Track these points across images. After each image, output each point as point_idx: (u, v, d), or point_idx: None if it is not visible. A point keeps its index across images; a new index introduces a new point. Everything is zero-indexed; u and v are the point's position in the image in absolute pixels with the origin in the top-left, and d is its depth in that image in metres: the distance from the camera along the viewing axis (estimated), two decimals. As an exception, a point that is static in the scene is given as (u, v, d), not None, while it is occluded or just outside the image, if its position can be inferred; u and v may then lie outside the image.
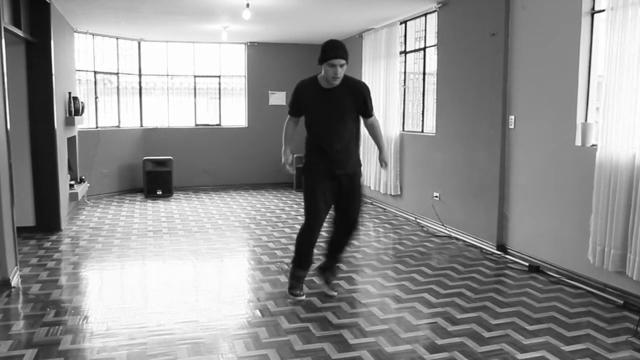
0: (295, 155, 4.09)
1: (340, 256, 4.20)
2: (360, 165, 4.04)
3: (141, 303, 3.91)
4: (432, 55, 6.61)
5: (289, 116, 4.03)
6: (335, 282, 4.22)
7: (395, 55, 7.22)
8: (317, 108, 3.83)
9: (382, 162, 4.19)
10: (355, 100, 3.83)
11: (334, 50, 3.65)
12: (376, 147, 4.35)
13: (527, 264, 4.75)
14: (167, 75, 9.47)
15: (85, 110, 7.71)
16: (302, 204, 3.99)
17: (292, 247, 5.37)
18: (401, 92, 7.33)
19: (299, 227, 6.33)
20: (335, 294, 4.02)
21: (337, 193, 3.89)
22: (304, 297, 3.93)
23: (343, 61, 3.66)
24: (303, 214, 3.98)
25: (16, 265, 4.38)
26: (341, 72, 3.68)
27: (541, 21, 4.65)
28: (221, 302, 3.92)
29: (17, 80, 5.66)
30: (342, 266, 4.78)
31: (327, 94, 3.78)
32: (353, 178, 3.93)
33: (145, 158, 8.71)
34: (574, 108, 4.30)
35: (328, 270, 4.14)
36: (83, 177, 7.75)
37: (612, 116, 3.79)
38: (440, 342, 3.21)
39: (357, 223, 4.03)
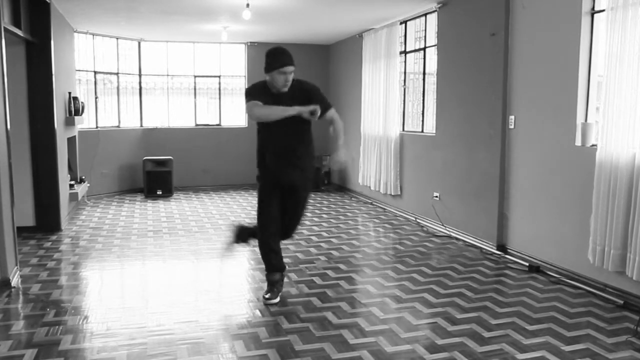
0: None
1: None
2: (310, 179, 3.97)
3: (141, 303, 3.91)
4: (432, 55, 6.61)
5: (251, 102, 3.64)
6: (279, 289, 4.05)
7: (395, 55, 7.22)
8: None
9: (333, 165, 4.05)
10: (307, 101, 3.74)
11: (281, 57, 3.62)
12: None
13: (527, 264, 4.75)
14: (167, 75, 9.47)
15: (85, 110, 7.70)
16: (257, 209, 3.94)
17: (292, 247, 5.40)
18: (401, 92, 7.33)
19: (298, 227, 6.36)
20: (274, 301, 3.88)
21: (283, 203, 3.87)
22: (274, 301, 3.84)
23: (292, 67, 3.64)
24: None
25: (16, 265, 4.38)
26: (291, 78, 3.67)
27: (541, 21, 4.65)
28: (221, 302, 3.92)
29: (17, 80, 5.65)
30: (342, 266, 4.78)
31: (277, 99, 3.70)
32: (299, 191, 3.87)
33: (145, 158, 8.71)
34: (574, 108, 4.30)
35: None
36: (83, 177, 7.75)
37: (612, 116, 3.79)
38: (440, 342, 3.21)
39: (290, 237, 4.14)
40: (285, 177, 3.81)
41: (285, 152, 3.78)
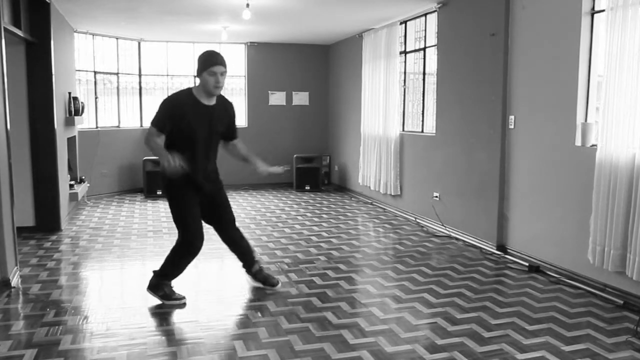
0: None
1: (246, 250, 4.16)
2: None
3: (141, 303, 3.91)
4: (432, 55, 6.61)
5: (153, 130, 3.57)
6: (268, 274, 4.21)
7: (395, 55, 7.22)
8: (195, 124, 3.58)
9: (267, 169, 4.00)
10: (229, 119, 3.79)
11: (214, 57, 3.55)
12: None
13: (527, 264, 4.75)
14: (167, 75, 9.47)
15: (85, 110, 7.70)
16: (178, 219, 3.80)
17: (292, 247, 5.40)
18: (401, 92, 7.33)
19: (299, 227, 6.38)
20: (275, 283, 4.07)
21: (208, 207, 3.87)
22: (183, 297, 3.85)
23: (224, 68, 3.55)
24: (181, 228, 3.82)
25: (16, 265, 4.37)
26: (222, 80, 3.55)
27: (541, 21, 4.65)
28: (221, 302, 3.92)
29: (17, 80, 5.65)
30: (342, 266, 4.78)
31: (207, 110, 3.62)
32: (220, 190, 3.94)
33: (145, 158, 8.70)
34: (574, 108, 4.30)
35: (255, 271, 4.13)
36: (83, 177, 7.74)
37: (612, 116, 3.79)
38: (440, 342, 3.21)
39: (234, 220, 4.11)
40: (210, 183, 3.81)
41: (212, 162, 3.79)
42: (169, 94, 3.80)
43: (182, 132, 3.59)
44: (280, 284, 4.16)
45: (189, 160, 3.55)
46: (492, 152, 5.25)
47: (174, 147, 3.57)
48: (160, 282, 3.85)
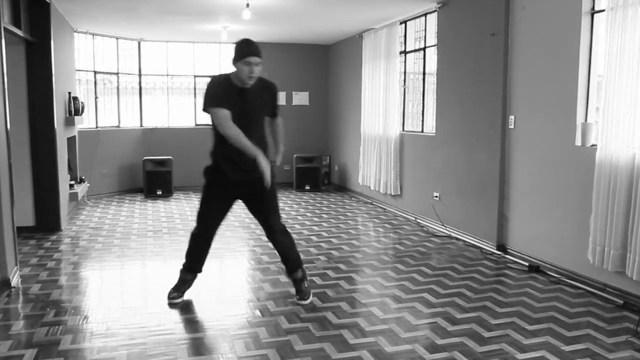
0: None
1: (294, 266, 3.95)
2: (274, 163, 3.84)
3: (141, 303, 3.91)
4: (432, 55, 6.61)
5: (217, 110, 3.55)
6: (305, 289, 3.97)
7: (395, 55, 7.22)
8: (232, 107, 3.59)
9: (272, 161, 3.84)
10: (270, 99, 3.76)
11: (250, 47, 3.55)
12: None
13: (527, 264, 4.75)
14: (167, 75, 9.47)
15: (85, 110, 7.70)
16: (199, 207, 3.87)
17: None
18: (401, 92, 7.33)
19: (298, 227, 6.38)
20: (305, 302, 3.86)
21: (252, 200, 3.81)
22: (176, 302, 3.84)
23: (259, 59, 3.56)
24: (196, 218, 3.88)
25: (16, 265, 4.37)
26: (257, 71, 3.57)
27: (541, 21, 4.65)
28: (221, 302, 3.92)
29: (17, 80, 5.65)
30: (342, 266, 4.79)
31: (243, 93, 3.64)
32: (262, 188, 3.72)
33: (145, 158, 8.71)
34: (574, 108, 4.30)
35: (295, 281, 3.97)
36: (83, 177, 7.74)
37: (612, 116, 3.79)
38: (440, 342, 3.21)
39: (284, 228, 3.94)
40: (252, 170, 3.60)
41: (243, 162, 3.66)
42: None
43: None
44: (308, 301, 3.89)
45: (226, 148, 3.63)
46: (492, 152, 5.25)
47: (218, 136, 3.67)
48: (180, 270, 3.97)
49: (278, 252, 3.99)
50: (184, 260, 3.97)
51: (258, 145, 3.61)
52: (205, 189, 3.84)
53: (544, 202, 4.65)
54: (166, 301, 3.87)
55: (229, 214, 3.89)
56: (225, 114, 3.52)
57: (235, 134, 3.51)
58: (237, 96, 3.62)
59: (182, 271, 3.97)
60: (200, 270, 4.00)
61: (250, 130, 3.61)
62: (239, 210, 7.43)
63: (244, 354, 3.05)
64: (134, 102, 9.27)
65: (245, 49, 3.53)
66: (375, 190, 7.89)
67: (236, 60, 3.56)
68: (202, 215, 3.84)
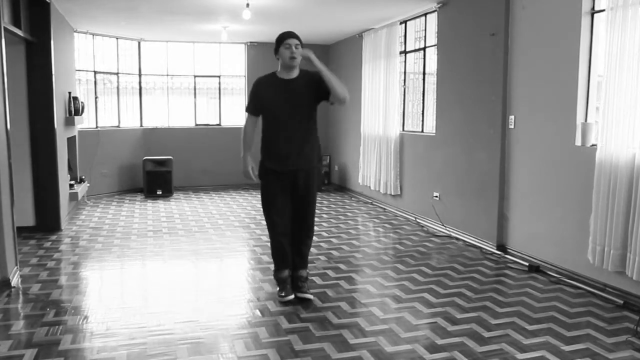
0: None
1: (302, 264, 3.98)
2: (320, 160, 3.99)
3: (141, 303, 3.91)
4: (432, 55, 6.61)
5: (246, 115, 3.96)
6: (307, 283, 4.00)
7: (395, 55, 7.22)
8: (277, 99, 3.77)
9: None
10: (316, 86, 3.80)
11: (286, 32, 3.82)
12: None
13: (527, 264, 4.75)
14: (167, 75, 9.47)
15: (85, 110, 7.70)
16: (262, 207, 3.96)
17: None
18: (401, 92, 7.33)
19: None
20: (309, 296, 3.87)
21: (293, 194, 3.85)
22: (289, 298, 3.83)
23: (297, 41, 3.79)
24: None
25: (16, 265, 4.38)
26: (297, 52, 3.74)
27: (541, 21, 4.65)
28: (221, 302, 3.92)
29: (17, 80, 5.65)
30: (342, 266, 4.79)
31: (287, 84, 3.79)
32: (310, 175, 3.85)
33: (145, 158, 8.71)
34: (574, 108, 4.30)
35: (299, 278, 3.96)
36: (83, 177, 7.75)
37: (612, 116, 3.79)
38: (440, 342, 3.21)
39: (311, 231, 4.01)
40: (297, 160, 3.77)
41: (299, 136, 3.79)
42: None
43: (267, 110, 3.83)
44: (310, 296, 3.89)
45: (276, 136, 3.79)
46: (492, 152, 5.25)
47: (267, 127, 3.84)
48: (274, 275, 4.02)
49: (295, 244, 3.96)
50: (272, 266, 4.02)
51: (300, 146, 3.76)
52: (262, 189, 3.94)
53: (544, 202, 4.65)
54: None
55: (290, 205, 3.89)
56: (251, 119, 3.93)
57: (242, 132, 4.01)
58: (281, 88, 3.79)
59: (275, 275, 3.98)
60: (290, 266, 3.95)
61: (294, 125, 3.75)
62: (238, 210, 7.44)
63: (244, 354, 3.05)
64: (134, 102, 9.27)
65: (281, 35, 3.82)
66: (375, 190, 7.89)
67: (277, 48, 3.81)
68: (269, 215, 3.88)
